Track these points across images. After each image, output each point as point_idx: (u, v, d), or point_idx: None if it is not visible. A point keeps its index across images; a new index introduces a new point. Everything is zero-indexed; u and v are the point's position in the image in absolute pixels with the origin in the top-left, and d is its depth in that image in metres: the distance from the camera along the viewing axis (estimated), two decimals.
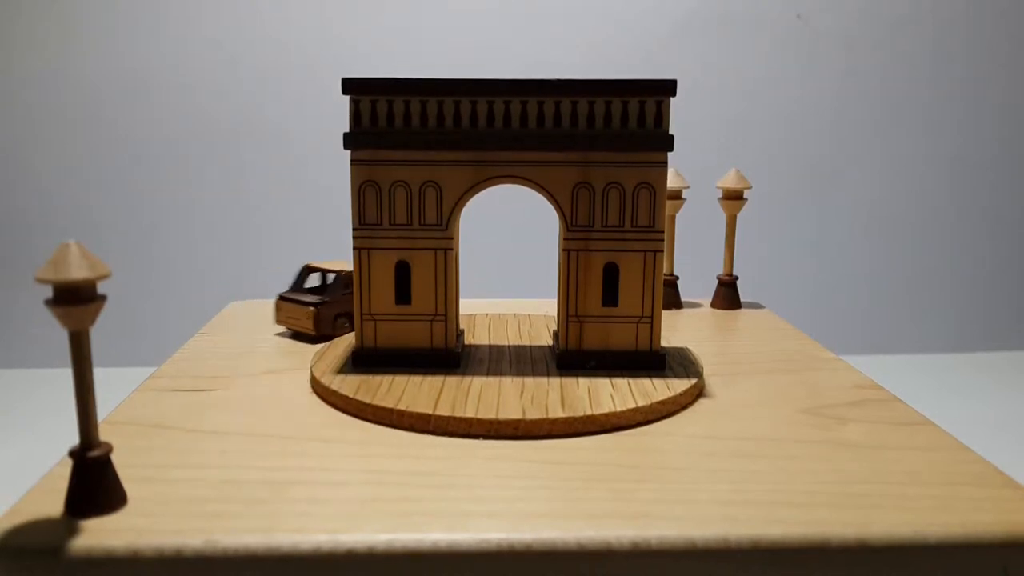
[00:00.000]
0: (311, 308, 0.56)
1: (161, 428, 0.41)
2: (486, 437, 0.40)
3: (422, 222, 0.47)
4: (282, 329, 0.59)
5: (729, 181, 0.67)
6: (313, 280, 0.60)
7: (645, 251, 0.47)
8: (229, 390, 0.47)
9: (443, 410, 0.41)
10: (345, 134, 0.46)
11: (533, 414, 0.40)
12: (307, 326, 0.57)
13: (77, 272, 0.29)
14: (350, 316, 0.58)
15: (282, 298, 0.58)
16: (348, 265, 0.59)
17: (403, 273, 0.47)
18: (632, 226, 0.47)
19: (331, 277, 0.59)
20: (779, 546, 0.31)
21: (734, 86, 1.25)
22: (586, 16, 1.23)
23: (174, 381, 0.48)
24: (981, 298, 1.32)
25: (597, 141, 0.46)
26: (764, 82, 1.26)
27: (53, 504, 0.32)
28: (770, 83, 1.26)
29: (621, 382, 0.45)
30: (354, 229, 0.47)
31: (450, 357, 0.48)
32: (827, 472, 0.37)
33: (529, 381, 0.45)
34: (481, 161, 0.46)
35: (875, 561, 0.31)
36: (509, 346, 0.53)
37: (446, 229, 0.47)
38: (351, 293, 0.57)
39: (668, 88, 0.45)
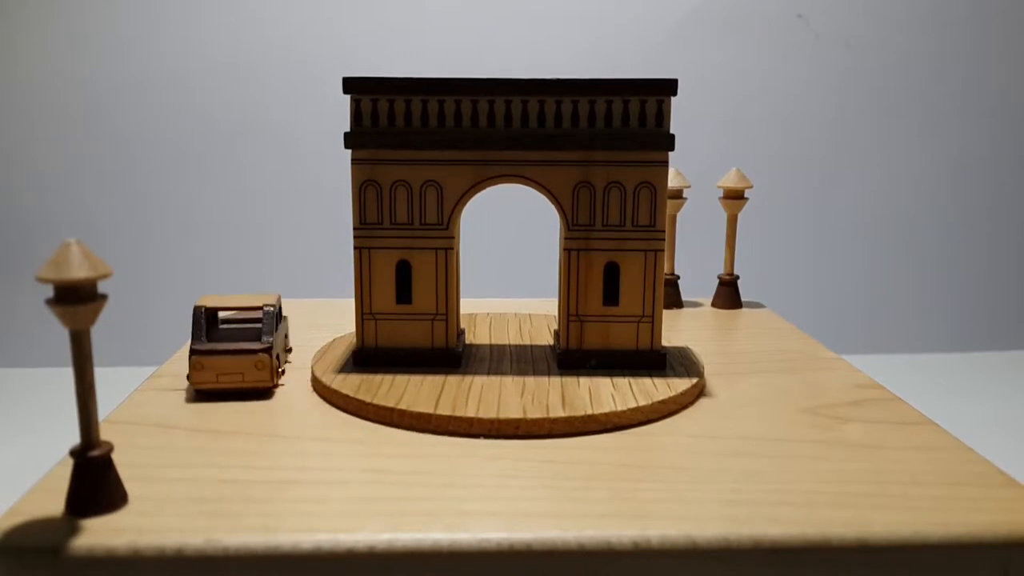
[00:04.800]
0: (263, 355, 0.45)
1: (162, 427, 0.41)
2: (487, 436, 0.40)
3: (423, 221, 0.47)
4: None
5: (730, 180, 0.67)
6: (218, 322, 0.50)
7: (646, 250, 0.47)
8: None
9: (444, 409, 0.41)
10: (346, 133, 0.46)
11: (534, 413, 0.40)
12: (260, 378, 0.45)
13: (78, 271, 0.29)
14: (278, 356, 0.47)
15: (200, 352, 0.44)
16: (264, 299, 0.48)
17: (404, 272, 0.47)
18: (633, 225, 0.47)
19: (261, 314, 0.48)
20: (779, 546, 0.31)
21: (734, 86, 1.25)
22: (587, 15, 1.23)
23: (175, 380, 0.48)
24: (982, 298, 1.32)
25: (598, 140, 0.46)
26: (764, 82, 1.26)
27: (54, 503, 0.32)
28: (770, 83, 1.26)
29: (622, 381, 0.45)
30: (355, 228, 0.47)
31: (451, 356, 0.48)
32: (827, 472, 0.37)
33: (530, 380, 0.45)
34: (482, 160, 0.46)
35: (875, 561, 0.31)
36: (510, 345, 0.53)
37: (447, 228, 0.47)
38: (280, 331, 0.49)
39: (669, 87, 0.45)
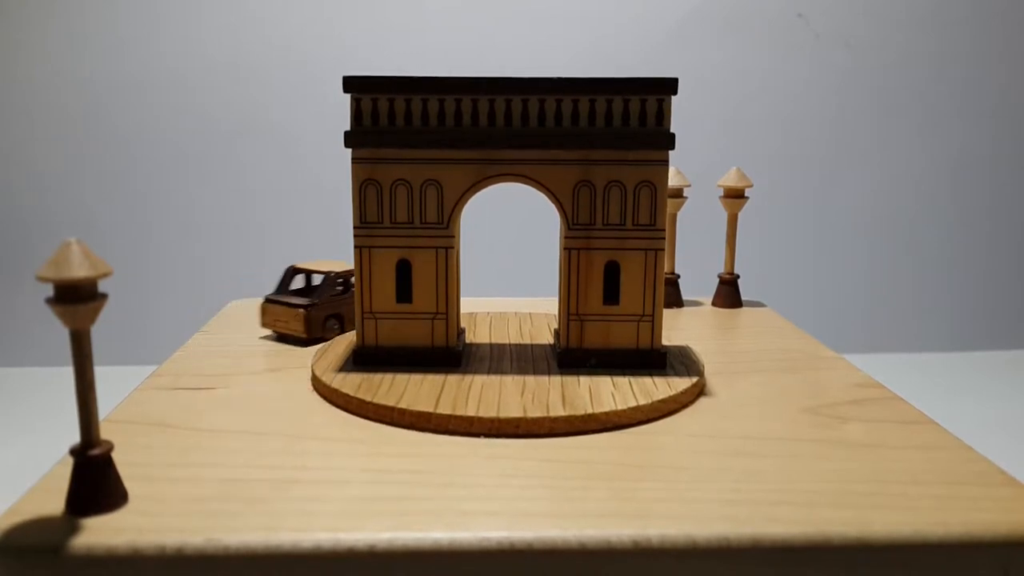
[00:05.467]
0: (301, 310, 0.55)
1: (162, 426, 0.41)
2: (487, 436, 0.40)
3: (423, 220, 0.47)
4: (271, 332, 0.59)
5: (730, 179, 0.67)
6: (299, 282, 0.58)
7: (646, 249, 0.47)
8: (230, 388, 0.47)
9: (444, 408, 0.41)
10: (346, 132, 0.46)
11: (534, 413, 0.40)
12: (297, 328, 0.55)
13: (78, 271, 0.29)
14: (340, 318, 0.57)
15: (268, 300, 0.56)
16: (336, 266, 0.58)
17: (404, 271, 0.47)
18: (633, 224, 0.46)
19: (318, 278, 0.58)
20: (780, 545, 0.31)
21: (734, 86, 1.25)
22: (587, 15, 1.23)
23: (175, 379, 0.48)
24: (982, 298, 1.32)
25: (598, 139, 0.46)
26: (764, 82, 1.26)
27: (54, 503, 0.32)
28: (770, 83, 1.26)
29: (622, 380, 0.45)
30: (355, 228, 0.47)
31: (451, 355, 0.48)
32: (828, 471, 0.37)
33: (530, 379, 0.45)
34: (482, 160, 0.46)
35: (876, 560, 0.31)
36: (510, 345, 0.53)
37: (447, 227, 0.47)
38: (340, 294, 0.57)
39: (669, 86, 0.45)
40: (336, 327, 0.56)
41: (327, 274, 0.57)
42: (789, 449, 0.39)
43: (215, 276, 1.24)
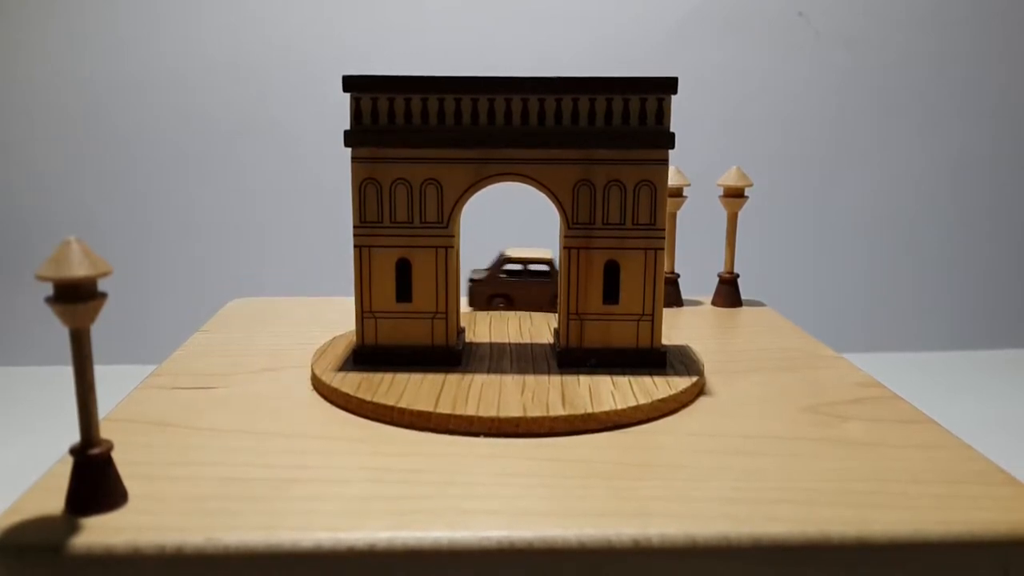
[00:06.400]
0: (472, 284, 0.63)
1: (162, 426, 0.41)
2: (487, 435, 0.40)
3: (423, 220, 0.47)
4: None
5: (730, 179, 0.67)
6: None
7: (646, 249, 0.47)
8: (230, 388, 0.47)
9: (444, 408, 0.41)
10: (346, 132, 0.46)
11: (534, 412, 0.40)
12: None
13: (78, 269, 0.29)
14: (508, 298, 0.63)
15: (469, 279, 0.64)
16: (533, 252, 0.64)
17: (404, 271, 0.47)
18: (633, 224, 0.46)
19: (517, 264, 0.64)
20: (780, 544, 0.31)
21: (734, 86, 1.25)
22: (587, 15, 1.23)
23: (175, 379, 0.48)
24: (982, 297, 1.32)
25: (598, 139, 0.46)
26: (764, 82, 1.26)
27: (54, 502, 0.32)
28: (770, 83, 1.26)
29: (622, 380, 0.45)
30: (355, 227, 0.47)
31: (451, 355, 0.48)
32: (828, 470, 0.37)
33: (530, 379, 0.45)
34: (482, 159, 0.46)
35: (876, 560, 0.31)
36: (510, 344, 0.53)
37: (447, 227, 0.47)
38: (511, 276, 0.63)
39: (669, 85, 0.45)
40: (502, 304, 0.63)
41: (499, 255, 0.64)
42: (789, 448, 0.39)
43: (215, 276, 1.24)
